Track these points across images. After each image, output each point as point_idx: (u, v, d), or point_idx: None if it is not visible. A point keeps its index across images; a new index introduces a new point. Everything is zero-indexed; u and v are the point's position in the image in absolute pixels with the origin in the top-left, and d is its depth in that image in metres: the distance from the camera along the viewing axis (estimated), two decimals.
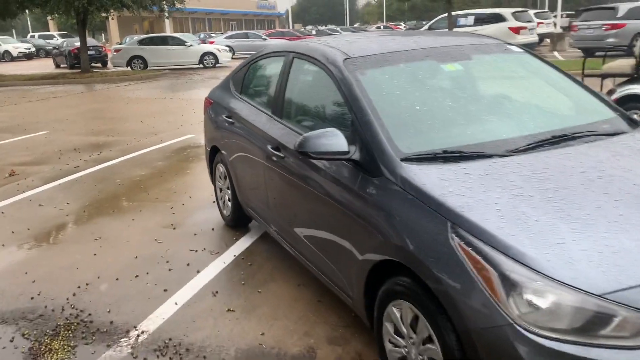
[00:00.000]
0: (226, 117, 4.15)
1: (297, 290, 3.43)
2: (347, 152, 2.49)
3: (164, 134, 8.82)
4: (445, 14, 19.53)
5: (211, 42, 29.61)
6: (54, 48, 29.53)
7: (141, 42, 23.55)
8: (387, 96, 2.72)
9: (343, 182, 2.56)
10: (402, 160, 2.33)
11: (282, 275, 3.65)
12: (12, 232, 4.71)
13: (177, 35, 26.53)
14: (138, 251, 4.16)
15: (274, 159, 3.24)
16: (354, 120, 2.59)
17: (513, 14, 18.43)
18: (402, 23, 67.29)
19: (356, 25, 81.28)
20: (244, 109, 3.92)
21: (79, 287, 3.62)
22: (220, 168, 4.48)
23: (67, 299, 3.46)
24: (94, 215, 5.03)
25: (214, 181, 4.79)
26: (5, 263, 4.08)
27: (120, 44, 32.27)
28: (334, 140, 2.48)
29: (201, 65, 23.75)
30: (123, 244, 4.33)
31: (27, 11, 22.08)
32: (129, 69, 22.95)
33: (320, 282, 3.29)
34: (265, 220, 3.71)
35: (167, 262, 3.94)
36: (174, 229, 4.59)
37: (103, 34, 60.46)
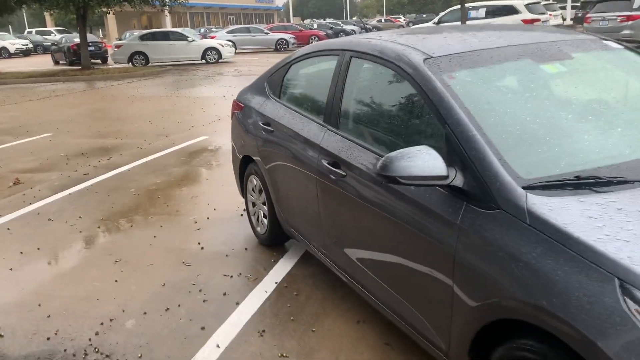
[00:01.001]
0: (263, 124, 3.66)
1: (358, 328, 2.95)
2: (446, 177, 2.00)
3: (175, 136, 8.32)
4: (454, 7, 19.00)
5: (212, 37, 29.06)
6: (52, 44, 28.92)
7: (142, 38, 22.98)
8: (488, 105, 2.23)
9: (436, 212, 2.08)
10: (525, 188, 1.85)
11: (336, 308, 3.17)
12: (21, 252, 4.22)
13: (178, 30, 25.95)
14: (165, 277, 3.68)
15: (332, 176, 2.76)
16: (449, 135, 2.10)
17: (526, 5, 17.92)
18: (401, 16, 66.63)
19: (354, 18, 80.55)
20: (286, 116, 3.43)
21: (101, 323, 3.14)
22: (254, 180, 3.99)
23: (90, 339, 2.98)
24: (110, 232, 4.54)
25: (244, 194, 4.30)
26: (15, 292, 3.59)
27: (120, 39, 31.69)
28: (429, 161, 2.00)
29: (203, 61, 23.21)
30: (147, 267, 3.85)
31: (24, 7, 21.45)
32: (130, 65, 22.40)
33: (383, 316, 2.82)
34: (312, 242, 3.24)
35: (200, 290, 3.46)
36: (202, 248, 4.11)
37: (100, 30, 59.75)
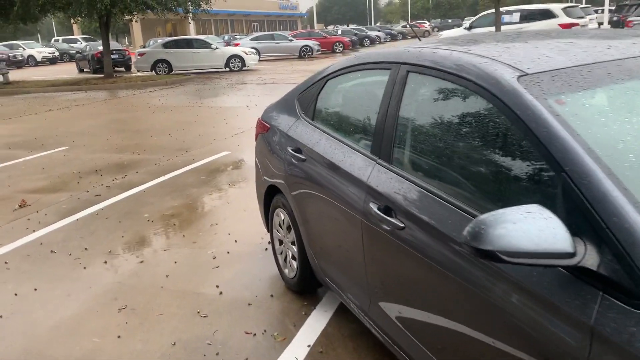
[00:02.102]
0: (293, 150, 3.05)
1: None
2: (573, 254, 1.36)
3: (195, 151, 7.78)
4: (487, 11, 18.23)
5: (236, 44, 28.73)
6: (77, 52, 28.91)
7: (166, 45, 22.69)
8: (622, 145, 1.58)
9: (552, 302, 1.44)
10: None
11: None
12: (15, 294, 3.68)
13: (202, 37, 25.65)
14: (176, 332, 3.08)
15: (385, 226, 2.13)
16: (571, 189, 1.46)
17: (564, 9, 17.06)
18: (426, 22, 65.80)
19: (378, 24, 79.90)
20: (321, 142, 2.82)
21: None
22: (281, 215, 3.38)
23: None
24: (117, 270, 3.98)
25: (269, 228, 3.70)
26: (3, 347, 3.04)
27: (143, 47, 31.61)
28: (545, 229, 1.36)
29: (227, 69, 22.82)
30: (156, 318, 3.26)
31: (50, 15, 21.34)
32: (153, 73, 22.11)
33: None
34: (352, 298, 2.61)
35: (217, 354, 2.85)
36: (221, 293, 3.51)
37: (126, 37, 60.26)
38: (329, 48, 32.38)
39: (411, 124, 2.22)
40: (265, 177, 3.51)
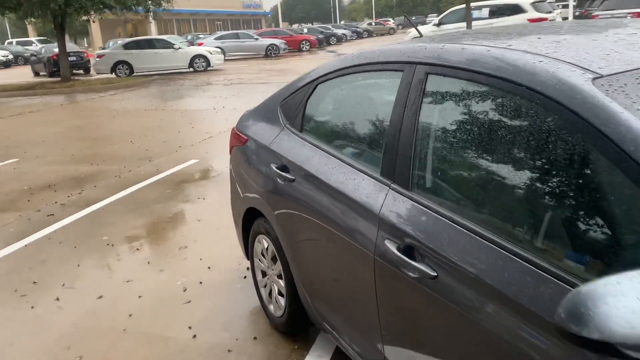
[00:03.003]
0: (278, 168, 2.56)
1: None
2: None
3: (160, 160, 7.18)
4: (457, 7, 18.03)
5: (200, 44, 27.94)
6: (32, 55, 27.64)
7: (126, 46, 21.79)
8: None
9: None
10: None
11: None
12: None
13: (164, 37, 24.79)
14: None
15: (411, 273, 1.66)
16: None
17: (532, 4, 16.95)
18: (390, 19, 65.82)
19: (342, 22, 79.68)
20: (314, 160, 2.33)
21: None
22: (264, 242, 2.88)
23: None
24: (71, 307, 3.41)
25: (250, 256, 3.19)
26: None
27: (103, 48, 30.49)
28: None
29: (191, 69, 22.06)
30: None
31: (1, 16, 20.21)
32: (113, 75, 21.20)
33: None
34: (356, 347, 2.13)
35: None
36: (194, 336, 2.98)
37: (85, 39, 58.42)
38: (295, 47, 31.83)
39: (436, 139, 1.75)
40: (243, 197, 3.00)
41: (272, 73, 18.67)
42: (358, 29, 47.47)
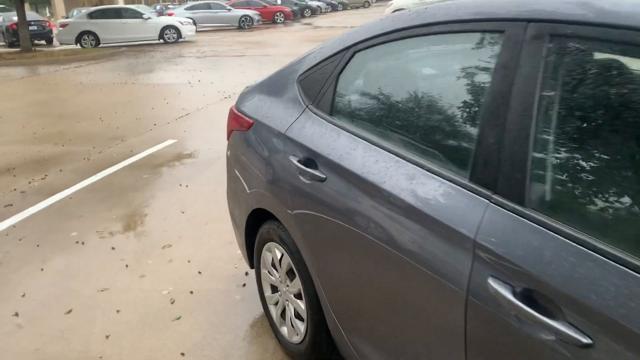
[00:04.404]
0: (300, 162, 1.97)
1: None
2: None
3: (133, 140, 6.48)
4: None
5: (170, 15, 26.68)
6: None
7: (91, 16, 20.50)
8: None
9: None
10: None
11: None
12: None
13: (132, 7, 23.51)
14: None
15: (544, 335, 1.11)
16: None
17: None
18: None
19: None
20: (357, 155, 1.75)
21: None
22: (277, 252, 2.31)
23: None
24: (33, 327, 2.79)
25: (255, 265, 2.62)
26: None
27: (66, 17, 28.92)
28: None
29: (161, 41, 20.97)
30: None
31: None
32: (78, 46, 19.98)
33: None
34: None
35: None
36: None
37: (47, 7, 55.78)
38: (269, 18, 30.75)
39: (571, 134, 1.19)
40: (248, 195, 2.42)
41: (248, 45, 17.82)
42: (333, 2, 46.36)
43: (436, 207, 1.41)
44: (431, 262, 1.40)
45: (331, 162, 1.82)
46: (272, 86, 2.38)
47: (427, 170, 1.50)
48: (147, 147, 6.07)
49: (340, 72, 1.95)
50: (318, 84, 2.05)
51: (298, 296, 2.23)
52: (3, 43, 22.98)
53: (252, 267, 2.69)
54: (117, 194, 4.65)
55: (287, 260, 2.23)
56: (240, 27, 27.64)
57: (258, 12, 28.99)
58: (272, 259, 2.39)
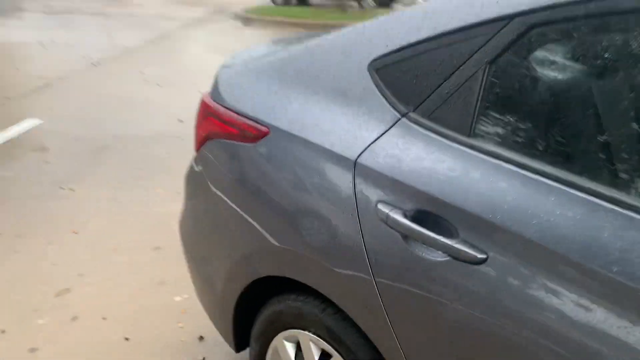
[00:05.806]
0: (409, 218, 1.06)
1: None
2: None
3: None
4: None
5: None
6: None
7: None
8: None
9: None
10: None
11: None
12: None
13: None
14: None
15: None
16: None
17: None
18: None
19: None
20: (554, 213, 0.90)
21: None
22: (313, 350, 1.39)
23: None
24: None
25: None
26: None
27: None
28: None
29: None
30: None
31: None
32: None
33: None
34: None
35: None
36: None
37: None
38: None
39: None
40: (240, 260, 1.46)
41: (106, 2, 15.51)
42: None
43: None
44: None
45: (492, 226, 0.95)
46: (304, 71, 1.40)
47: None
48: (0, 130, 4.55)
49: (494, 60, 1.06)
50: (430, 78, 1.14)
51: None
52: None
53: (238, 350, 1.73)
54: None
55: None
56: None
57: None
58: (295, 356, 1.46)
